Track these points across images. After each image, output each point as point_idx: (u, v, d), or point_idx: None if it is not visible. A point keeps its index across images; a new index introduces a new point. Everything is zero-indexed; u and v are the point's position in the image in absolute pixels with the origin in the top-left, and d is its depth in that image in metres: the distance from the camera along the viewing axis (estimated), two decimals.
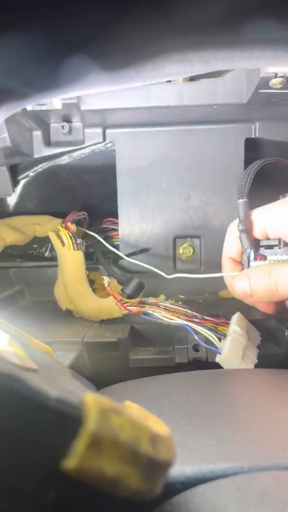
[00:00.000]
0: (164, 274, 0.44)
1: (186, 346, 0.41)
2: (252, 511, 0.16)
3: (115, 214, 0.56)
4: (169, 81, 0.45)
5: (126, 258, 0.49)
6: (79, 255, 0.49)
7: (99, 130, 0.53)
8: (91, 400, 0.13)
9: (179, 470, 0.19)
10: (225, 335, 0.39)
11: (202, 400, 0.26)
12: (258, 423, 0.23)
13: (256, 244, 0.38)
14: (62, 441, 0.12)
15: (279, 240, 0.37)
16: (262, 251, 0.38)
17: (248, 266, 0.38)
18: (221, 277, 0.43)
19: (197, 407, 0.25)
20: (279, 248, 0.37)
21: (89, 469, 0.12)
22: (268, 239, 0.38)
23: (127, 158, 0.54)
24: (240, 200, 0.38)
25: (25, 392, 0.12)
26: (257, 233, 0.37)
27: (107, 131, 0.53)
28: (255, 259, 0.38)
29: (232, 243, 0.40)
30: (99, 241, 0.56)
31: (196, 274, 0.41)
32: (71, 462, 0.12)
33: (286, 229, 0.36)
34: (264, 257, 0.37)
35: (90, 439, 0.12)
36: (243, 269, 0.39)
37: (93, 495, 0.14)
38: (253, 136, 0.53)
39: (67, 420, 0.12)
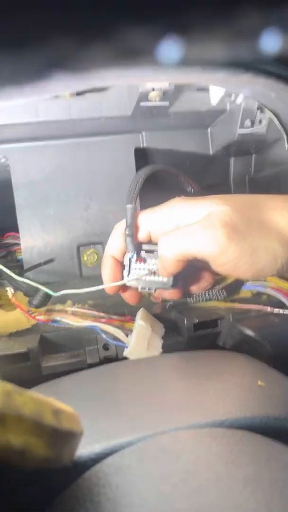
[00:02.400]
0: (51, 292, 0.45)
1: (96, 346, 0.43)
2: (153, 465, 0.18)
3: (15, 228, 0.56)
4: (56, 96, 0.47)
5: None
6: None
7: None
8: None
9: (90, 448, 0.21)
10: (131, 331, 0.42)
11: (109, 389, 0.28)
12: (155, 400, 0.26)
13: (138, 247, 0.41)
14: None
15: None
16: (143, 254, 0.41)
17: (130, 267, 0.41)
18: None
19: (104, 396, 0.27)
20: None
21: None
22: (151, 242, 0.41)
23: (23, 172, 0.54)
24: (128, 205, 0.40)
25: None
26: (141, 236, 0.40)
27: None
28: (136, 261, 0.41)
29: (116, 243, 0.41)
30: (1, 256, 0.55)
31: (83, 289, 0.42)
32: None
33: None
34: (144, 260, 0.40)
35: None
36: (124, 269, 0.41)
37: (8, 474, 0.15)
38: (141, 146, 0.57)
39: None
